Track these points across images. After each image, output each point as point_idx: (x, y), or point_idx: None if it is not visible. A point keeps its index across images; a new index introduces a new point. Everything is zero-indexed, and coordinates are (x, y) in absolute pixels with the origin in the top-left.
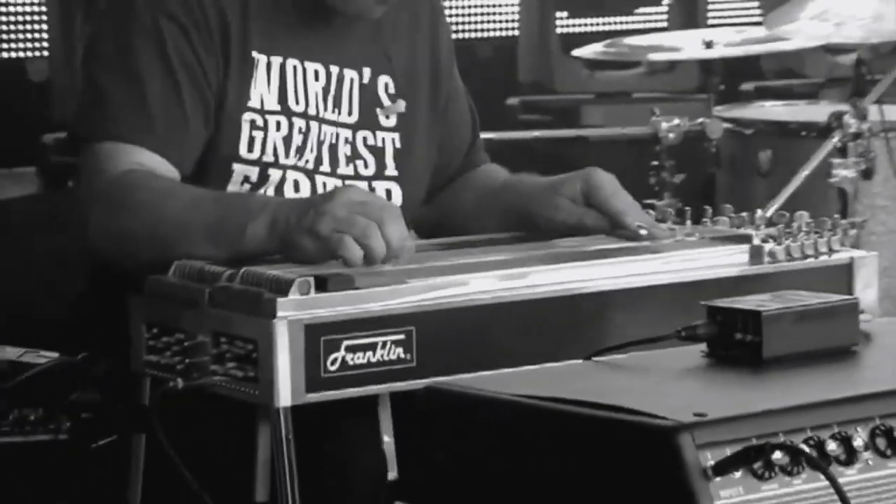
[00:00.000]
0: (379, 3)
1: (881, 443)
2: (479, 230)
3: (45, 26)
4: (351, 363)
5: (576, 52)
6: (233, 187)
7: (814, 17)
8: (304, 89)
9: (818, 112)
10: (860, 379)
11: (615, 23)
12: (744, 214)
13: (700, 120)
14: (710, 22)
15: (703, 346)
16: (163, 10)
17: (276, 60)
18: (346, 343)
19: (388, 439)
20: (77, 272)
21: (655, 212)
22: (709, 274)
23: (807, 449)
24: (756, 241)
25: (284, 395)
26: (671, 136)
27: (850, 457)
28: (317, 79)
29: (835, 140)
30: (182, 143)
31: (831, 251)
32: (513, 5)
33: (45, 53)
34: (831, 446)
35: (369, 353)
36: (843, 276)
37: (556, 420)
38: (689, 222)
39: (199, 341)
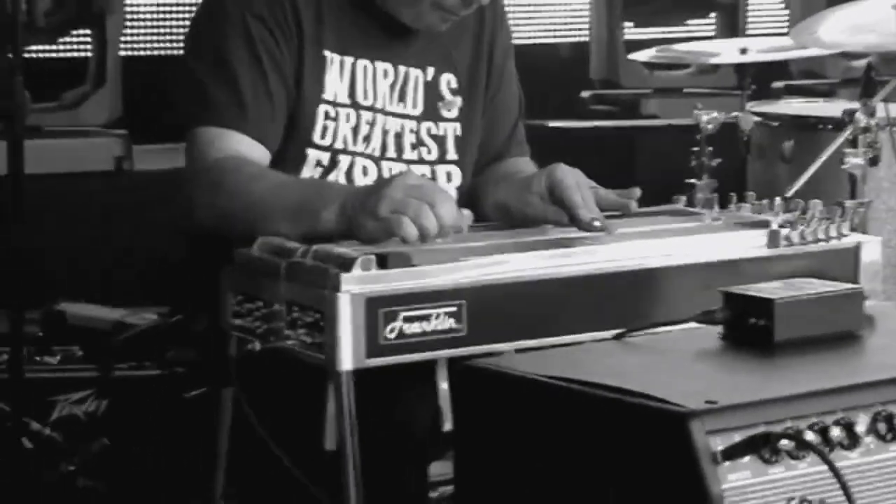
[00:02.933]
0: (444, 21)
1: (882, 428)
2: (485, 218)
3: None
4: (408, 332)
5: (632, 56)
6: (307, 169)
7: (832, 28)
8: (374, 86)
9: (833, 108)
10: (864, 366)
11: (671, 32)
12: (764, 201)
13: (734, 113)
14: (749, 31)
15: (719, 329)
16: (250, 10)
17: (348, 60)
18: (403, 314)
19: (444, 395)
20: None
21: (693, 195)
22: (732, 255)
23: (811, 436)
24: (774, 227)
25: (346, 360)
26: (710, 126)
27: (853, 441)
28: (385, 76)
29: (847, 133)
30: (270, 126)
31: (841, 235)
32: (585, 16)
33: None
34: (835, 432)
35: (424, 324)
36: (850, 258)
37: (578, 401)
38: (716, 207)
39: (275, 309)
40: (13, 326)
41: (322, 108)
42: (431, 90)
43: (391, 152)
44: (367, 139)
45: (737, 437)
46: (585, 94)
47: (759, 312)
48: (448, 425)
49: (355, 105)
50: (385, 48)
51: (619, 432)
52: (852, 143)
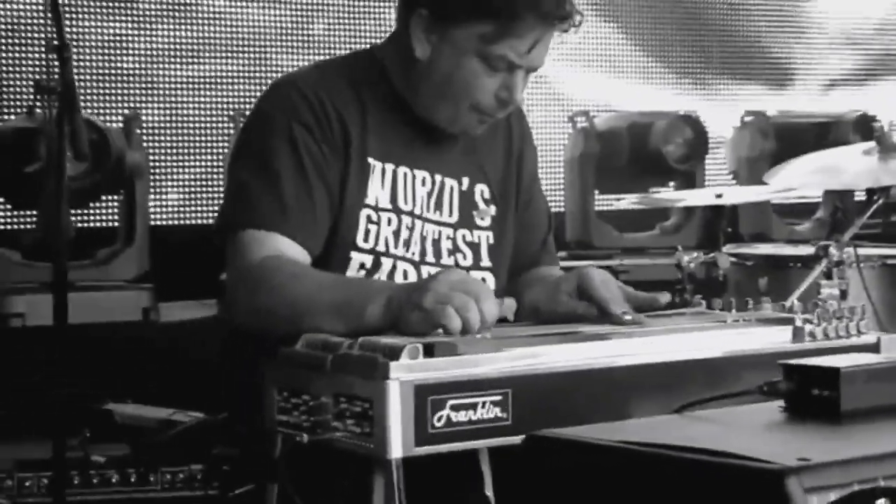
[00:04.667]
0: (480, 122)
1: None
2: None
3: None
4: (454, 420)
5: (617, 204)
6: (350, 272)
7: (805, 172)
8: (413, 192)
9: (800, 250)
10: None
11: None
12: (783, 303)
13: (712, 254)
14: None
15: (780, 402)
16: (296, 118)
17: (389, 167)
18: (450, 402)
19: (489, 488)
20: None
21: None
22: (760, 349)
23: None
24: (798, 323)
25: (396, 448)
26: (691, 265)
27: None
28: (423, 184)
29: (822, 266)
30: (311, 229)
31: (860, 333)
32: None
33: None
34: None
35: (470, 412)
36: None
37: (663, 465)
38: (734, 310)
39: (322, 402)
40: (56, 451)
41: (365, 212)
42: (466, 199)
43: (430, 257)
44: (407, 243)
45: (832, 496)
46: (562, 254)
47: (823, 383)
48: None
49: (396, 210)
50: (423, 157)
51: (708, 495)
52: (826, 275)
